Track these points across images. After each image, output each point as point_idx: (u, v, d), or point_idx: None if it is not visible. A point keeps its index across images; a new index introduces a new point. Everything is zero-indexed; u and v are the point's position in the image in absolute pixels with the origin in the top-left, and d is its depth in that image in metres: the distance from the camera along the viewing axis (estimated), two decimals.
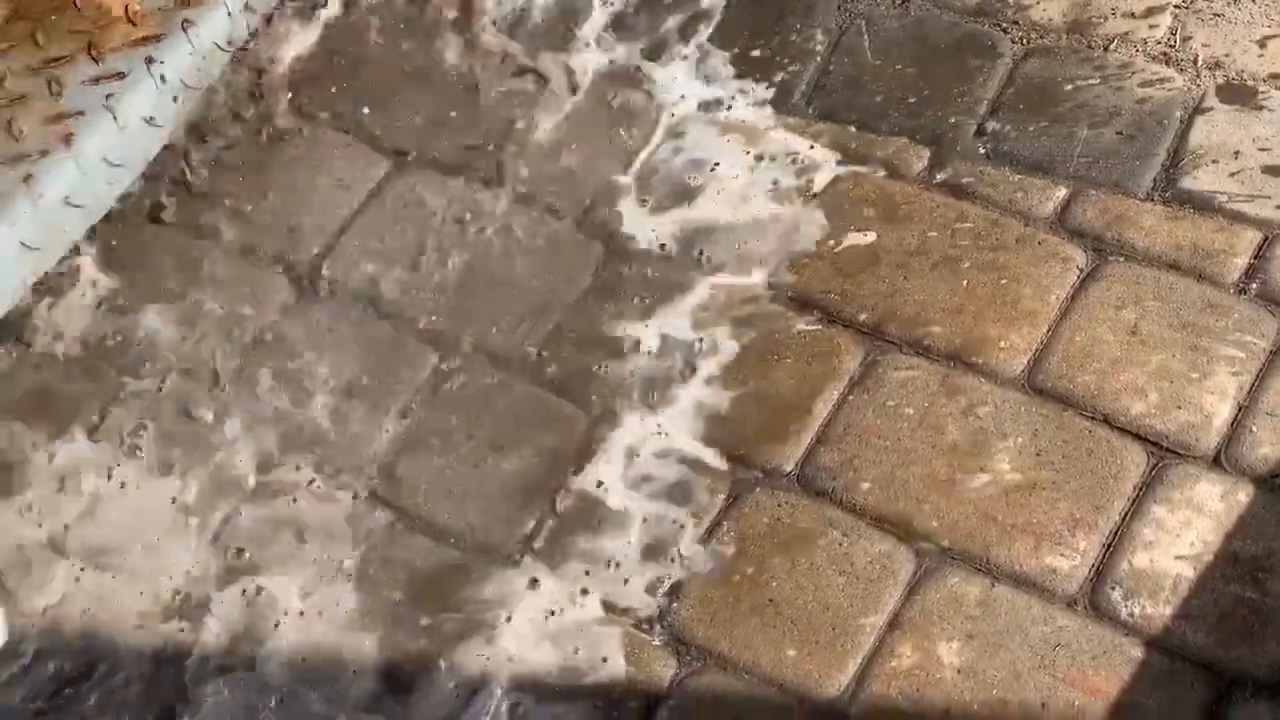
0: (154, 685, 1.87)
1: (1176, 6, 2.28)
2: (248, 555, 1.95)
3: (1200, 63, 2.21)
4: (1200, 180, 2.10)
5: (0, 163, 2.15)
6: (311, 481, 2.00)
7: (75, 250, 2.21)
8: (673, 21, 2.39)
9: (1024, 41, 2.29)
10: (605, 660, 1.84)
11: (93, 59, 2.25)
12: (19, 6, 2.31)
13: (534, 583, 1.90)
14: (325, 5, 2.43)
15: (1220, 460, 1.88)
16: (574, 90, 2.33)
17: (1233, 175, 2.09)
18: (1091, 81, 2.22)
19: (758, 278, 2.11)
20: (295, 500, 1.99)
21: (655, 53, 2.36)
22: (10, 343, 2.14)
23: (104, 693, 1.87)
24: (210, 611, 1.91)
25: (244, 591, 1.93)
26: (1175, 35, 2.24)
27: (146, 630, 1.91)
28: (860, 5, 2.37)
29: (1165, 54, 2.23)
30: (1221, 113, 2.15)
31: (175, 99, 2.28)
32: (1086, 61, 2.24)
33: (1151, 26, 2.26)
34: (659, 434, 2.00)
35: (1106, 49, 2.25)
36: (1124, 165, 2.13)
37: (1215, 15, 2.25)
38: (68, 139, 2.17)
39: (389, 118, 2.34)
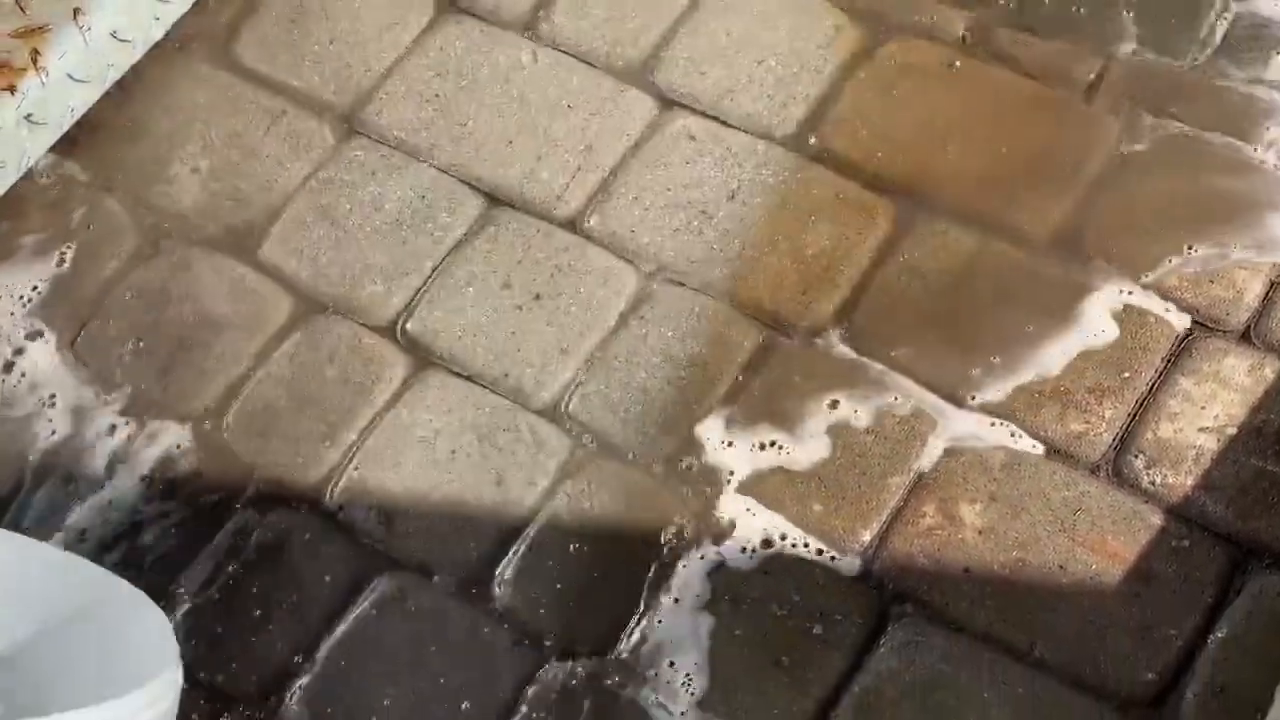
0: None
1: None
2: None
3: None
4: (1241, 57, 2.09)
5: None
6: None
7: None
8: None
9: None
10: (663, 529, 1.89)
11: None
12: None
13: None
14: None
15: (1249, 335, 1.90)
16: None
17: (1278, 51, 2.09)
18: None
19: (799, 141, 2.12)
20: None
21: None
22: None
23: None
24: None
25: None
26: None
27: None
28: None
29: None
30: None
31: None
32: None
33: None
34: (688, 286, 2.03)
35: None
36: (1168, 33, 2.13)
37: None
38: None
39: None
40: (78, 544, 1.91)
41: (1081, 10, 2.16)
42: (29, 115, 2.10)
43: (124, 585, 1.57)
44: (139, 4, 2.19)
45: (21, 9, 2.14)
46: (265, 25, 2.31)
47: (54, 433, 2.00)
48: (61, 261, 2.13)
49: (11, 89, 2.08)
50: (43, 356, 2.06)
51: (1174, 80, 2.09)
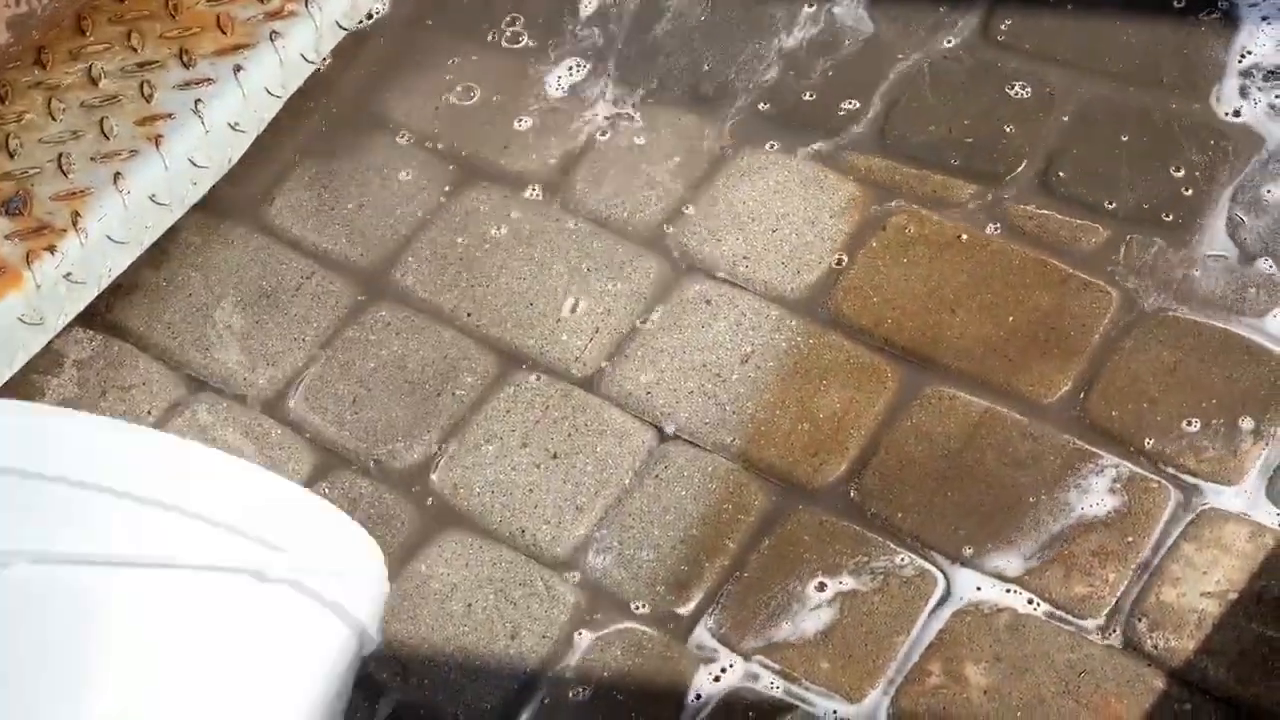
0: None
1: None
2: None
3: None
4: (1253, 243, 2.16)
5: (92, 159, 2.24)
6: None
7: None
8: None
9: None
10: (674, 687, 1.92)
11: (184, 64, 2.35)
12: (117, 11, 2.41)
13: None
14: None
15: (1250, 503, 1.94)
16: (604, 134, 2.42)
17: None
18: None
19: (811, 307, 2.18)
20: None
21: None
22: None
23: None
24: None
25: None
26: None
27: None
28: (922, 50, 2.44)
29: None
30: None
31: (260, 107, 2.38)
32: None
33: None
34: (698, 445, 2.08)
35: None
36: (1178, 216, 2.19)
37: None
38: (157, 140, 2.26)
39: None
40: None
41: (1086, 188, 2.23)
42: (68, 274, 2.18)
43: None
44: (177, 170, 2.27)
45: (64, 173, 2.23)
46: (297, 189, 2.40)
47: None
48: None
49: (52, 249, 2.16)
50: None
51: (1182, 259, 2.15)
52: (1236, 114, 2.26)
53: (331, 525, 1.55)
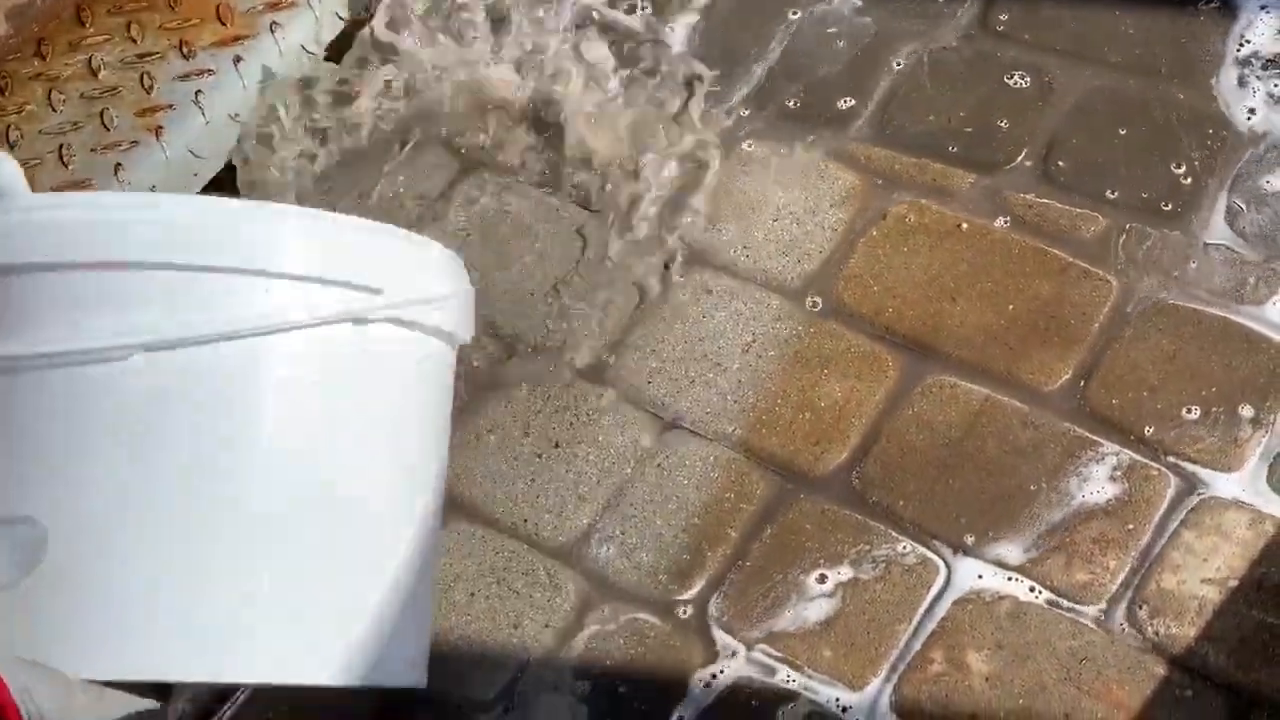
0: None
1: None
2: None
3: None
4: (1253, 233, 2.16)
5: (93, 150, 2.25)
6: None
7: None
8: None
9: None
10: (676, 676, 1.93)
11: (184, 56, 2.35)
12: (116, 2, 2.41)
13: None
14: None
15: (1250, 490, 1.94)
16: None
17: None
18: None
19: (809, 296, 2.18)
20: None
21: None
22: None
23: None
24: None
25: None
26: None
27: None
28: (920, 40, 2.44)
29: None
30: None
31: (259, 97, 2.38)
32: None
33: None
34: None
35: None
36: (1177, 205, 2.20)
37: None
38: (158, 131, 2.26)
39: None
40: None
41: (1086, 177, 2.24)
42: None
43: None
44: (177, 161, 2.28)
45: (65, 164, 2.23)
46: (300, 183, 2.39)
47: None
48: None
49: None
50: None
51: (1181, 247, 2.15)
52: (1251, 112, 2.26)
53: (415, 252, 1.66)
